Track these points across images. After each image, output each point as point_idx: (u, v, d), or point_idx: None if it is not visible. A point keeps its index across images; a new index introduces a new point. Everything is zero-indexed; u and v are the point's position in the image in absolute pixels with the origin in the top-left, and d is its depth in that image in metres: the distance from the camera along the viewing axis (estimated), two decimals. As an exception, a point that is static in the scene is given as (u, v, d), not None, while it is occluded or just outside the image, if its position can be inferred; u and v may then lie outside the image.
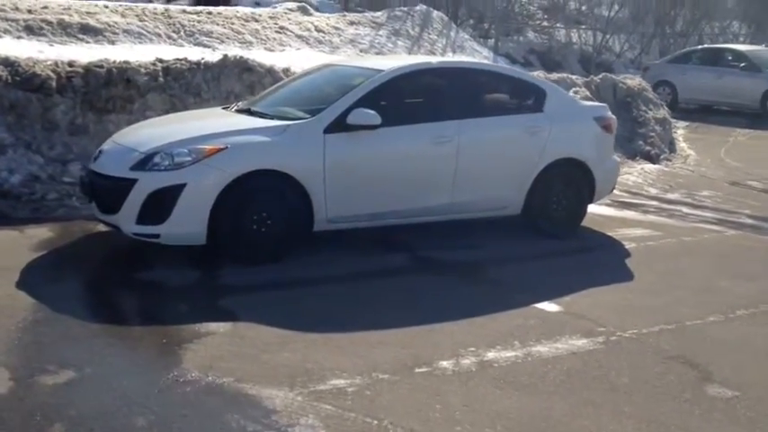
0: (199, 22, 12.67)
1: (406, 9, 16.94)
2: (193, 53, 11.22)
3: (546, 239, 6.52)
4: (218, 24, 12.84)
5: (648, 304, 5.07)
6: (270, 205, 5.48)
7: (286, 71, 8.88)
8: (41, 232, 6.09)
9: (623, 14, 24.47)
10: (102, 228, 6.24)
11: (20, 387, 3.48)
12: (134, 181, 5.29)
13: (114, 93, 7.81)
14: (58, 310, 4.43)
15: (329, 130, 5.66)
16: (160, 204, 5.24)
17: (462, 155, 6.11)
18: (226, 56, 8.62)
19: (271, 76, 8.65)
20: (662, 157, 11.61)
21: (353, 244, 6.00)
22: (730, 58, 17.74)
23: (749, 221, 7.93)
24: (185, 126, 5.95)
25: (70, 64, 7.98)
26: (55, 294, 4.73)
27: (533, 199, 6.48)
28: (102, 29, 11.43)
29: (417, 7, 17.17)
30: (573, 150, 6.62)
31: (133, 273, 5.27)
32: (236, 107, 6.55)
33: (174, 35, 12.09)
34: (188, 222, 5.28)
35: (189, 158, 5.29)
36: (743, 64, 17.05)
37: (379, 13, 16.39)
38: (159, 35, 11.93)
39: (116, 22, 11.73)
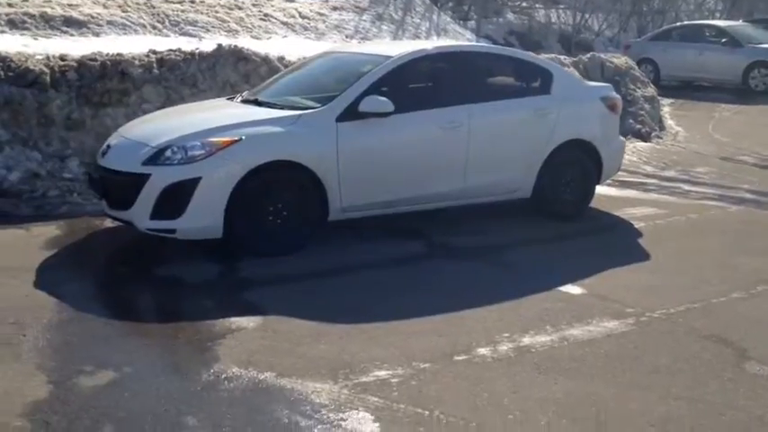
0: (183, 11, 12.47)
1: (388, -7, 16.80)
2: (180, 43, 11.04)
3: (556, 222, 6.52)
4: (202, 13, 12.65)
5: (670, 283, 5.09)
6: (285, 196, 5.41)
7: (281, 59, 8.77)
8: (48, 230, 5.97)
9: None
10: (109, 224, 6.15)
11: (60, 390, 3.40)
12: (147, 176, 5.19)
13: (110, 86, 7.65)
14: (82, 309, 4.35)
15: (341, 118, 5.60)
16: (175, 199, 5.16)
17: (473, 139, 6.08)
18: (220, 45, 8.49)
19: (266, 64, 8.53)
20: (653, 134, 11.66)
21: (364, 233, 5.96)
22: (710, 34, 17.85)
23: (749, 196, 8.00)
24: (194, 118, 5.85)
25: (62, 58, 7.81)
26: (75, 293, 4.64)
27: (543, 181, 6.47)
28: (86, 21, 11.20)
29: (399, -10, 17.05)
30: (581, 131, 6.61)
31: (150, 268, 5.18)
32: (240, 98, 6.45)
33: (159, 25, 11.89)
34: (204, 216, 5.20)
35: (202, 151, 5.20)
36: (724, 39, 17.16)
37: (362, -2, 16.25)
38: (144, 26, 11.73)
39: (99, 14, 11.50)
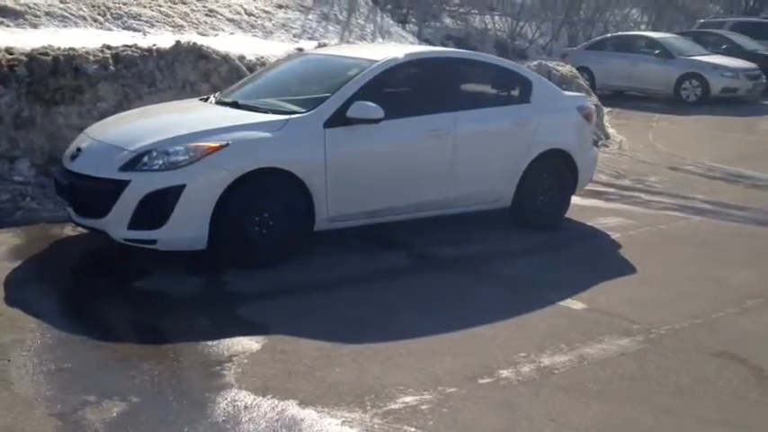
0: (125, 3, 11.90)
1: (331, -7, 16.54)
2: (123, 38, 10.56)
3: (533, 231, 6.46)
4: (145, 6, 12.11)
5: (665, 297, 5.07)
6: (271, 205, 5.14)
7: (242, 59, 8.45)
8: (5, 239, 5.52)
9: (533, 2, 24.90)
10: (70, 231, 5.76)
11: (67, 425, 3.08)
12: (125, 183, 4.84)
13: (62, 83, 7.18)
14: (67, 330, 3.99)
15: (329, 123, 5.36)
16: (157, 208, 4.82)
17: (458, 148, 5.94)
18: (179, 42, 8.10)
19: (227, 63, 8.20)
20: (600, 143, 11.82)
21: (346, 243, 5.74)
22: (644, 45, 18.29)
23: (707, 207, 8.13)
24: (172, 121, 5.52)
25: (9, 51, 7.29)
26: (54, 311, 4.28)
27: (522, 191, 6.39)
28: (23, 11, 10.54)
29: (342, -9, 16.82)
30: (559, 141, 6.57)
31: (130, 282, 4.83)
32: (214, 99, 6.13)
33: (101, 18, 11.31)
34: (188, 226, 4.88)
35: (186, 157, 4.88)
36: (657, 51, 17.61)
37: (304, -3, 15.94)
38: (84, 18, 11.13)
39: (36, 4, 10.84)
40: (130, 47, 7.83)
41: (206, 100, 6.23)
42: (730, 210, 8.02)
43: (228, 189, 4.92)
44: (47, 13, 10.78)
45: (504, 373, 3.79)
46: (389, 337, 4.15)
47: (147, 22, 11.73)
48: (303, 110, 5.45)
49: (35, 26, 10.43)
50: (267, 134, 5.15)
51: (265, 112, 5.49)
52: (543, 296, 4.93)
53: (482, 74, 6.47)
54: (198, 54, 8.05)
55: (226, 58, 8.23)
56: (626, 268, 5.70)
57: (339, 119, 5.39)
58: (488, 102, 6.38)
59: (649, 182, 9.41)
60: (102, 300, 4.54)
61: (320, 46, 10.02)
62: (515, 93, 6.54)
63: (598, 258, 5.99)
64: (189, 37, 11.07)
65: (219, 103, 5.95)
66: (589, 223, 7.00)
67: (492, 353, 4.01)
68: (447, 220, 6.24)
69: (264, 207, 5.11)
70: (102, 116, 7.22)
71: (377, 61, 5.77)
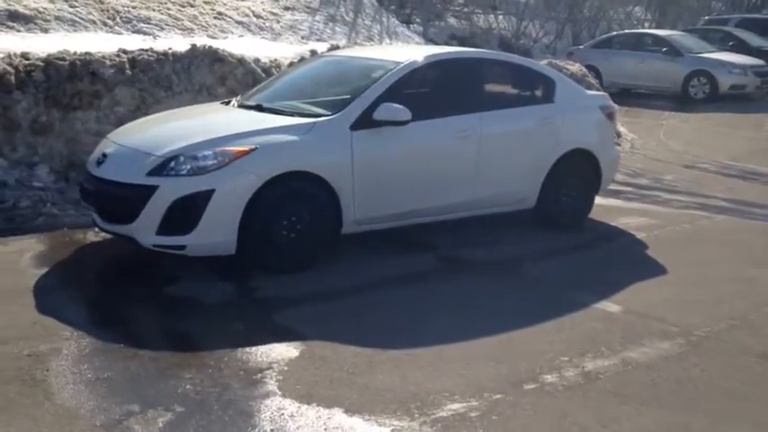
0: (134, 7, 11.87)
1: (337, -6, 16.50)
2: (134, 41, 10.54)
3: (557, 232, 6.40)
4: (153, 10, 12.07)
5: (700, 298, 5.01)
6: (299, 209, 5.09)
7: (257, 61, 8.40)
8: (29, 245, 5.48)
9: (536, 1, 24.85)
10: (93, 237, 5.71)
11: (114, 437, 3.03)
12: (153, 188, 4.78)
13: (80, 87, 7.13)
14: (102, 338, 3.94)
15: (356, 126, 5.31)
16: (186, 213, 4.77)
17: (483, 149, 5.89)
18: (194, 45, 8.04)
19: (242, 66, 8.15)
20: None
21: (372, 246, 5.68)
22: (651, 42, 18.23)
23: (727, 205, 8.07)
24: (197, 125, 5.47)
25: (25, 56, 7.24)
26: (86, 318, 4.22)
27: (547, 192, 6.33)
28: (33, 16, 10.50)
29: (348, -8, 16.78)
30: (583, 141, 6.51)
31: (160, 288, 4.78)
32: (236, 102, 6.07)
33: (110, 22, 11.27)
34: (217, 231, 4.83)
35: (215, 161, 4.83)
36: (665, 48, 17.54)
37: (311, -2, 15.90)
38: (94, 22, 11.09)
39: (46, 8, 10.81)
40: (146, 51, 7.77)
41: (227, 103, 6.18)
42: (752, 208, 7.95)
43: (257, 193, 4.87)
44: (57, 18, 10.75)
45: (549, 378, 3.73)
46: (427, 341, 4.10)
47: (156, 25, 11.69)
48: (329, 112, 5.39)
49: (45, 31, 10.40)
50: (295, 137, 5.10)
51: (290, 115, 5.43)
52: (576, 298, 4.87)
53: (505, 74, 6.42)
54: (214, 57, 8.00)
55: (241, 61, 8.18)
56: (656, 269, 5.64)
57: (366, 121, 5.33)
58: (512, 102, 6.32)
59: (666, 180, 9.35)
60: (134, 306, 4.48)
61: (333, 48, 9.96)
62: (539, 92, 6.48)
63: (626, 259, 5.93)
64: (199, 40, 11.03)
65: (242, 106, 5.89)
66: (612, 223, 6.94)
67: (533, 357, 3.96)
68: (469, 222, 6.18)
69: (292, 211, 5.06)
70: (120, 121, 7.19)
71: (401, 62, 5.71)
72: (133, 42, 10.31)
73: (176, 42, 10.63)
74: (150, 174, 4.83)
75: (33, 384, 3.41)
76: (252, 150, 4.90)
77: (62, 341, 3.88)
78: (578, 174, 6.54)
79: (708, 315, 4.69)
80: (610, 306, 4.78)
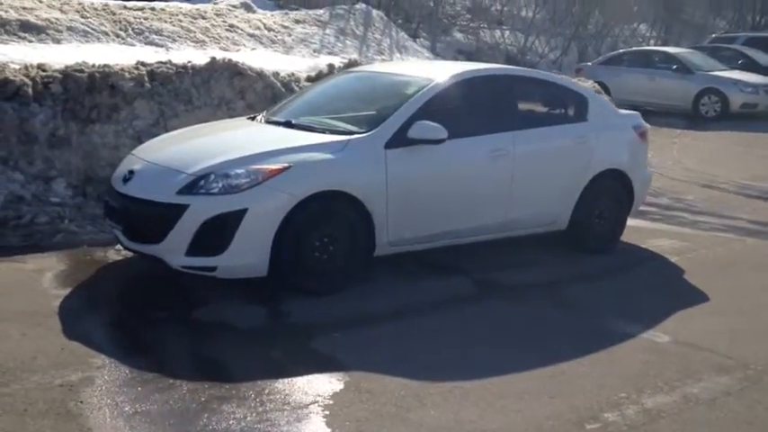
0: (145, 19, 11.74)
1: (347, 7, 16.41)
2: (146, 53, 10.42)
3: (589, 255, 6.23)
4: (165, 22, 11.94)
5: (748, 328, 4.83)
6: (332, 230, 4.90)
7: (276, 75, 8.23)
8: (50, 263, 5.28)
9: (542, 16, 24.81)
10: (114, 256, 5.52)
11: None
12: (184, 207, 4.60)
13: (98, 100, 6.94)
14: (136, 366, 3.74)
15: (390, 144, 5.13)
16: (218, 233, 4.58)
17: (517, 168, 5.71)
18: (214, 58, 7.87)
19: (262, 80, 7.97)
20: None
21: (402, 269, 5.49)
22: (661, 60, 18.12)
23: (756, 227, 7.90)
24: (227, 142, 5.29)
25: (42, 68, 7.06)
26: (116, 345, 4.03)
27: (579, 213, 6.15)
28: (44, 26, 10.36)
29: (358, 5, 16.69)
30: (616, 161, 6.34)
31: (188, 311, 4.58)
32: (263, 118, 5.89)
33: (123, 33, 11.13)
34: (249, 252, 4.64)
35: (247, 180, 4.65)
36: (675, 66, 17.44)
37: (321, 11, 15.80)
38: (106, 33, 10.95)
39: (57, 19, 10.67)
40: (165, 63, 7.61)
41: (253, 119, 6.01)
42: (778, 231, 7.80)
43: (290, 213, 4.69)
44: (69, 28, 10.61)
45: (610, 416, 3.54)
46: (474, 373, 3.90)
47: (168, 37, 11.56)
48: (362, 130, 5.22)
49: (58, 41, 10.25)
50: (329, 156, 4.92)
51: (322, 132, 5.26)
52: (621, 328, 4.69)
53: (538, 91, 6.26)
54: (233, 71, 7.83)
55: (261, 75, 8.00)
56: (696, 296, 5.46)
57: (400, 139, 5.16)
58: (545, 120, 6.17)
59: (688, 201, 9.19)
60: (164, 332, 4.28)
61: (351, 63, 9.79)
62: (572, 111, 6.32)
63: (664, 285, 5.75)
64: (212, 52, 10.91)
65: (270, 122, 5.71)
66: (642, 245, 6.76)
67: (589, 393, 3.76)
68: (497, 244, 6.00)
69: (325, 232, 4.87)
70: (139, 135, 7.02)
71: (434, 79, 5.55)
72: (146, 54, 10.19)
73: (189, 54, 10.52)
74: (180, 192, 4.65)
75: (68, 418, 3.21)
76: (285, 169, 4.72)
77: (93, 370, 3.68)
78: (611, 195, 6.37)
79: (761, 347, 4.50)
80: (658, 336, 4.59)
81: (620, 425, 3.47)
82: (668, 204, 8.91)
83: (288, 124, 5.50)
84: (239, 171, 4.68)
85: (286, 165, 4.73)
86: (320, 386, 3.67)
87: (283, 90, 7.99)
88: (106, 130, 6.93)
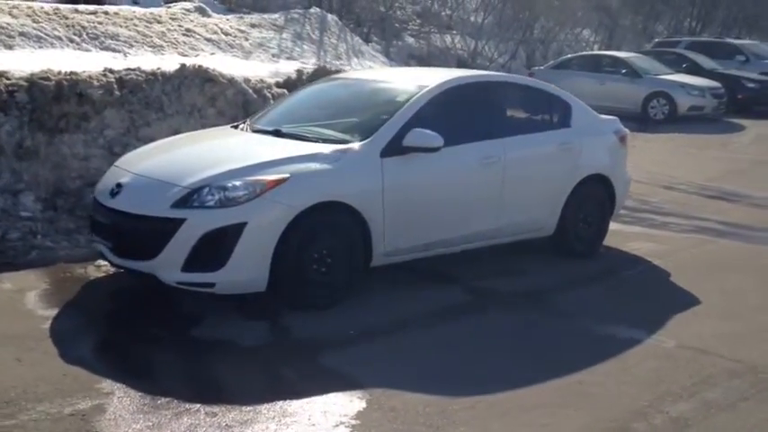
0: (100, 23, 11.38)
1: (302, 11, 16.26)
2: (103, 59, 10.09)
3: (574, 259, 6.24)
4: (121, 26, 11.59)
5: (748, 331, 4.86)
6: (331, 241, 4.78)
7: (247, 81, 8.05)
8: (29, 282, 5.03)
9: (489, 21, 25.04)
10: (95, 272, 5.30)
11: None
12: (180, 221, 4.42)
13: (66, 109, 6.67)
14: (145, 391, 3.57)
15: (385, 153, 5.04)
16: (216, 248, 4.42)
17: (507, 175, 5.68)
18: (183, 65, 7.65)
19: (233, 87, 7.79)
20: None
21: (395, 279, 5.40)
22: (609, 64, 18.44)
23: (724, 228, 8.02)
24: (216, 152, 5.12)
25: (5, 75, 6.75)
26: (118, 368, 3.85)
27: (566, 218, 6.16)
28: (-5, 31, 9.94)
29: (312, 10, 16.54)
30: (599, 166, 6.37)
31: (186, 330, 4.40)
32: (248, 126, 5.73)
33: (77, 38, 10.76)
34: (249, 267, 4.48)
35: (245, 192, 4.49)
36: (624, 70, 17.76)
37: (276, 15, 15.60)
38: (60, 38, 10.57)
39: (9, 24, 10.26)
40: (133, 70, 7.36)
41: (236, 127, 5.84)
42: (748, 231, 7.91)
43: (289, 226, 4.55)
44: (21, 34, 10.21)
45: (639, 427, 3.51)
46: (493, 386, 3.83)
47: (125, 42, 11.23)
48: (354, 138, 5.11)
49: (10, 47, 9.86)
50: (327, 166, 4.80)
51: (314, 141, 5.13)
52: (625, 333, 4.69)
53: (525, 97, 6.24)
54: (204, 77, 7.63)
55: (231, 82, 7.82)
56: (688, 299, 5.50)
57: (395, 148, 5.07)
58: (532, 127, 6.15)
59: (654, 203, 9.31)
60: (166, 352, 4.10)
61: (320, 69, 9.65)
62: (556, 117, 6.32)
63: (655, 288, 5.78)
64: (170, 58, 10.66)
65: (257, 131, 5.55)
66: (623, 249, 6.81)
67: (611, 404, 3.73)
68: (485, 252, 5.96)
69: (323, 244, 4.75)
70: (110, 144, 6.79)
71: (426, 86, 5.47)
72: (103, 60, 9.88)
73: (148, 60, 10.23)
74: (175, 206, 4.47)
75: (86, 451, 3.03)
76: (284, 180, 4.58)
77: (102, 396, 3.48)
78: (595, 199, 6.40)
79: (763, 349, 4.54)
80: (663, 341, 4.60)
81: (650, 436, 3.45)
82: (636, 206, 9.00)
83: (277, 133, 5.35)
84: (236, 183, 4.52)
85: (285, 176, 4.59)
86: (342, 405, 3.55)
87: (255, 96, 7.83)
88: (75, 140, 6.67)
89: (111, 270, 5.28)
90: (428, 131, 5.09)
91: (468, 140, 5.53)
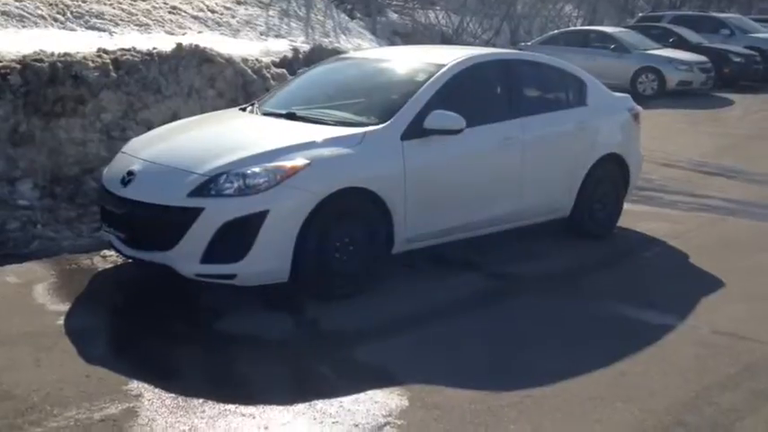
0: (84, 2, 10.99)
1: (287, -12, 15.86)
2: (89, 38, 9.76)
3: (591, 241, 6.12)
4: (105, 4, 11.22)
5: (773, 313, 4.80)
6: (353, 228, 4.60)
7: (245, 61, 7.80)
8: (34, 275, 4.81)
9: (473, -4, 24.76)
10: (101, 262, 5.09)
11: None
12: (198, 210, 4.21)
13: (62, 92, 6.40)
14: (177, 391, 3.38)
15: (406, 135, 4.85)
16: (237, 238, 4.22)
17: (526, 156, 5.53)
18: (180, 44, 7.38)
19: (231, 66, 7.54)
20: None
21: (416, 267, 5.23)
22: (597, 39, 18.30)
23: (730, 206, 7.91)
24: (230, 137, 4.90)
25: (-6, 57, 6.46)
26: (143, 367, 3.65)
27: (582, 199, 6.02)
28: (-24, 10, 9.55)
29: (298, -14, 16.16)
30: (615, 145, 6.23)
31: (208, 324, 4.21)
32: (258, 109, 5.50)
33: (61, 17, 10.38)
34: (271, 257, 4.30)
35: (266, 179, 4.29)
36: (613, 46, 17.64)
37: (261, -8, 15.21)
38: (43, 17, 10.18)
39: (-10, 2, 9.86)
40: (129, 50, 7.09)
41: (244, 110, 5.62)
42: (753, 208, 7.81)
43: (311, 213, 4.36)
44: (3, 13, 9.83)
45: (691, 419, 3.38)
46: (535, 379, 3.69)
47: (110, 21, 10.87)
48: (372, 121, 4.91)
49: (-7, 27, 9.46)
50: (348, 150, 4.60)
51: (331, 124, 4.93)
52: (656, 318, 4.58)
53: (542, 76, 6.05)
54: (201, 57, 7.38)
55: (230, 62, 7.57)
56: (711, 280, 5.39)
57: (416, 130, 4.88)
58: (549, 106, 5.97)
59: (657, 181, 9.20)
60: (191, 348, 3.91)
61: (316, 48, 9.39)
62: (572, 95, 6.15)
63: (676, 270, 5.65)
64: (157, 36, 10.36)
65: (268, 114, 5.33)
66: (636, 229, 6.70)
67: (659, 395, 3.60)
68: (501, 236, 5.80)
69: (346, 231, 4.57)
70: (107, 128, 6.55)
71: (444, 65, 5.28)
72: (89, 39, 9.57)
73: (134, 39, 9.91)
74: (192, 194, 4.26)
75: (124, 461, 2.84)
76: (306, 166, 4.38)
77: (132, 399, 3.29)
78: (610, 179, 6.26)
79: (798, 332, 4.47)
80: (696, 327, 4.48)
81: (706, 428, 3.32)
82: (641, 185, 8.86)
83: (290, 116, 5.13)
84: (256, 170, 4.31)
85: (306, 161, 4.39)
86: (384, 404, 3.38)
87: (255, 77, 7.59)
88: (72, 124, 6.41)
89: (119, 261, 5.07)
90: (450, 113, 4.91)
91: (488, 121, 5.36)
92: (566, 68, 6.20)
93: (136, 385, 3.42)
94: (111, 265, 5.06)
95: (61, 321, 4.09)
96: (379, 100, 5.24)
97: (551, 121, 5.80)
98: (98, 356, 3.69)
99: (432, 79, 5.13)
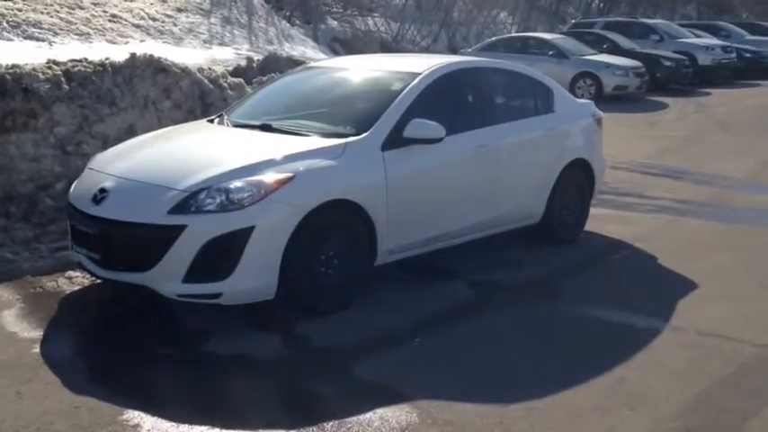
0: (19, 10, 10.58)
1: (227, -6, 15.64)
2: (28, 48, 9.39)
3: (560, 246, 6.16)
4: (42, 13, 10.82)
5: (754, 313, 4.84)
6: (336, 242, 4.49)
7: (201, 71, 7.59)
8: (0, 300, 4.52)
9: (411, 4, 24.91)
10: (67, 284, 4.85)
11: None
12: (179, 228, 4.04)
13: (12, 106, 6.09)
14: (174, 420, 3.22)
15: (386, 146, 4.77)
16: (222, 255, 4.07)
17: (501, 164, 5.52)
18: (134, 54, 7.12)
19: (188, 77, 7.32)
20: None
21: (390, 277, 5.15)
22: (537, 45, 18.59)
23: (683, 207, 8.04)
24: (205, 150, 4.75)
25: (-62, 69, 6.11)
26: (134, 395, 3.47)
27: (552, 205, 6.05)
28: None
29: (238, -7, 15.95)
30: (581, 151, 6.30)
31: (192, 346, 4.04)
32: (228, 120, 5.33)
33: (-4, 27, 9.96)
34: (257, 274, 4.15)
35: (249, 194, 4.15)
36: (551, 52, 17.94)
37: (201, -1, 14.95)
38: (-23, 27, 9.75)
39: None
40: (80, 61, 6.81)
41: (212, 122, 5.44)
42: (704, 208, 7.98)
43: (297, 228, 4.23)
44: (-66, 23, 9.34)
45: (700, 424, 3.39)
46: (538, 390, 3.65)
47: (49, 30, 10.50)
48: (350, 131, 4.81)
49: (-75, 38, 9.00)
50: (331, 162, 4.49)
51: (308, 135, 4.81)
52: (640, 322, 4.60)
53: (511, 84, 6.06)
54: (156, 67, 7.14)
55: (185, 71, 7.35)
56: (682, 281, 5.46)
57: (395, 140, 4.81)
58: (520, 113, 5.97)
59: (607, 183, 9.33)
60: (182, 372, 3.74)
61: (270, 56, 9.22)
62: (541, 102, 6.17)
63: (648, 273, 5.71)
64: (99, 46, 10.04)
65: (240, 125, 5.17)
66: (601, 233, 6.77)
67: (664, 401, 3.60)
68: (469, 244, 5.77)
69: (329, 245, 4.46)
70: (62, 143, 6.27)
71: (419, 74, 5.22)
72: (28, 50, 9.20)
73: (74, 49, 9.59)
74: (173, 211, 4.08)
75: (136, 499, 2.67)
76: (289, 179, 4.25)
77: (129, 429, 3.11)
78: (577, 184, 6.33)
79: (778, 332, 4.55)
80: (681, 329, 4.53)
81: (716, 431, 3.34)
82: (594, 189, 9.02)
83: (266, 128, 4.99)
84: (239, 184, 4.16)
85: (289, 175, 4.27)
86: (396, 422, 3.29)
87: (212, 87, 7.40)
88: (24, 139, 6.11)
89: (86, 281, 4.84)
90: (429, 122, 4.85)
91: (463, 129, 5.31)
92: (533, 76, 6.23)
93: (131, 415, 3.24)
94: (78, 287, 4.83)
95: (37, 349, 3.87)
96: (355, 110, 5.15)
97: (523, 129, 5.81)
98: (84, 386, 3.49)
99: (408, 88, 5.07)
